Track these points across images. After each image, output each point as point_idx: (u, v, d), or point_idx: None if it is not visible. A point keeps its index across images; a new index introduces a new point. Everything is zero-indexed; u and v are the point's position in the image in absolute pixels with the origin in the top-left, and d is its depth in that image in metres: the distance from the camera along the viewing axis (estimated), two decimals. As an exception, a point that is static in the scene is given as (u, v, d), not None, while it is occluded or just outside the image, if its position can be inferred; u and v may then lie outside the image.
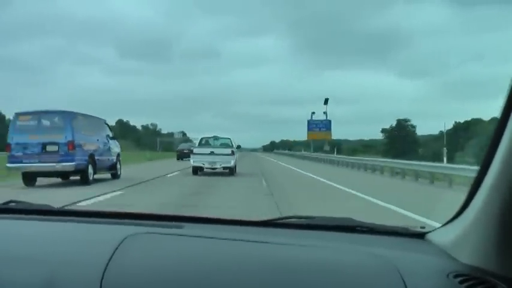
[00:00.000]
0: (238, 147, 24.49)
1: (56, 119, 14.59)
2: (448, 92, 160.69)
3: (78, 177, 15.26)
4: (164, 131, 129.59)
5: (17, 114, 14.92)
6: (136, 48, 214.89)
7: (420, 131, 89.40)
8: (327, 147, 60.76)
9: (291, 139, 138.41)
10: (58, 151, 14.28)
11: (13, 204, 1.65)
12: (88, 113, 16.42)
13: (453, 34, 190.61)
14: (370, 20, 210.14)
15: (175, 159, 42.74)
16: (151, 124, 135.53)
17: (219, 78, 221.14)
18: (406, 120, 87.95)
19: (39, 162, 14.24)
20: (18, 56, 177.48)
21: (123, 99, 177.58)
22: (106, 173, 17.30)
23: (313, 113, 65.77)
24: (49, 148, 14.28)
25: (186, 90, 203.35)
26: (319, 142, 64.25)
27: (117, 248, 1.21)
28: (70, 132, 14.39)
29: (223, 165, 20.09)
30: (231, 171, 20.29)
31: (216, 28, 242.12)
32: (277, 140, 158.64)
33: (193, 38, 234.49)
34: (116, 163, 17.91)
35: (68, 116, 14.81)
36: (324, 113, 65.04)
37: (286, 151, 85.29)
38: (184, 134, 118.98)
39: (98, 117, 17.49)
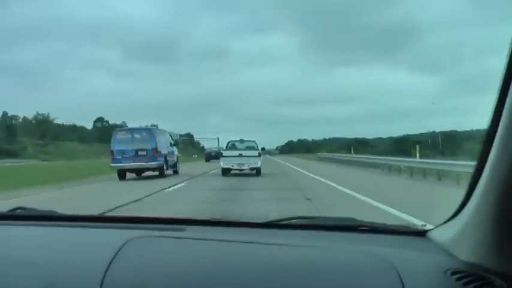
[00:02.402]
0: (263, 149, 25.42)
1: (144, 133, 21.68)
2: (462, 86, 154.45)
3: (151, 173, 21.84)
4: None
5: (117, 130, 22.31)
6: (143, 49, 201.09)
7: (439, 128, 78.77)
8: None
9: (309, 139, 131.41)
10: (146, 154, 21.16)
11: (20, 210, 1.68)
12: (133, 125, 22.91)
13: (467, 26, 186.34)
14: (381, 14, 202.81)
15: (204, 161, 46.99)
16: (152, 125, 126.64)
17: (228, 78, 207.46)
18: None
19: (133, 162, 21.08)
20: (22, 61, 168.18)
21: (129, 101, 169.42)
22: (171, 170, 23.84)
23: None
24: (140, 153, 21.18)
25: (194, 91, 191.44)
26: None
27: (117, 252, 1.22)
28: (154, 142, 21.35)
29: (250, 166, 21.72)
30: (258, 172, 21.77)
31: (223, 27, 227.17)
32: (294, 140, 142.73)
33: (201, 37, 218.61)
34: (176, 162, 24.69)
35: (152, 131, 22.01)
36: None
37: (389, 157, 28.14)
38: (189, 135, 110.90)
39: (167, 131, 24.70)
